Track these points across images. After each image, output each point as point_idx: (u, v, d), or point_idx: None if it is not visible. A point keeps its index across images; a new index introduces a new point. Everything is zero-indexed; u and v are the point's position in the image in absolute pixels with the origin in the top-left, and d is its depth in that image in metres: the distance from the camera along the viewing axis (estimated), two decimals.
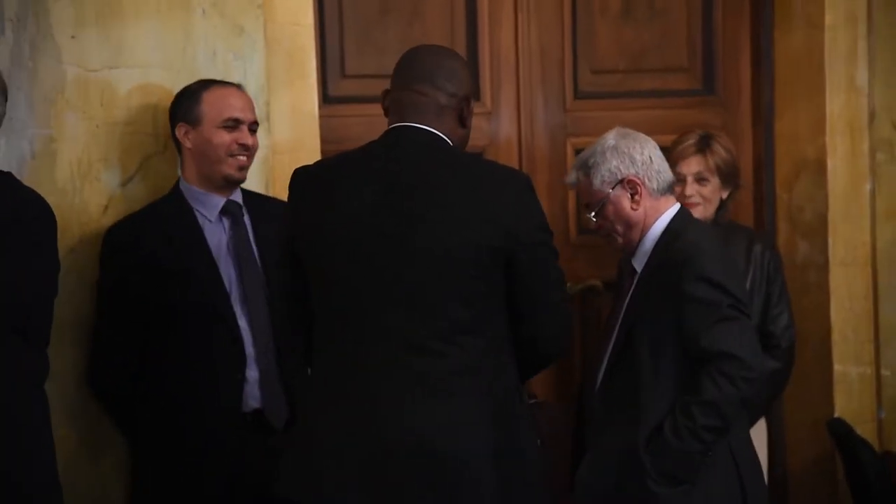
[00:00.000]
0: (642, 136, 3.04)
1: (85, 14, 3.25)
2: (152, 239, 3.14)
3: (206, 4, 3.39)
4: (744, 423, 2.95)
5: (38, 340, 2.81)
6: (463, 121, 2.67)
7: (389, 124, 2.67)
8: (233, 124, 3.19)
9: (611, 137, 3.01)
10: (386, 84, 3.94)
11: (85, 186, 3.24)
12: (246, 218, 3.26)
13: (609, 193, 2.96)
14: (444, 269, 2.51)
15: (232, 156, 3.19)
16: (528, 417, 2.67)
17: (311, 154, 3.48)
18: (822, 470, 4.16)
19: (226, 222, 3.23)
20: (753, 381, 2.76)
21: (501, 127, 4.06)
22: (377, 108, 3.92)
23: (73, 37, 3.23)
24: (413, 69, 2.66)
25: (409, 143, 2.62)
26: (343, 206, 2.56)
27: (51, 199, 2.89)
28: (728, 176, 3.62)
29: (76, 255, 3.20)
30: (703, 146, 3.58)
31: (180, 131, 3.21)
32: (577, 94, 4.13)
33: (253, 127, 3.24)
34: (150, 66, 3.33)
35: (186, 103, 3.21)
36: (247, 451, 3.14)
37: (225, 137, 3.18)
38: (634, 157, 2.96)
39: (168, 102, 3.32)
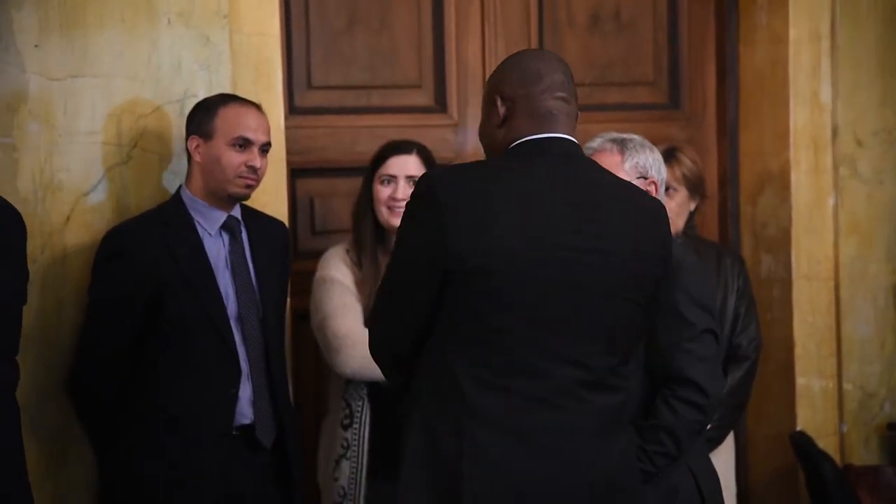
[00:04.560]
0: None
1: (48, 23, 3.23)
2: (153, 247, 3.11)
3: (171, 14, 3.37)
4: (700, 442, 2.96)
5: (7, 350, 2.77)
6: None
7: (517, 134, 2.45)
8: (243, 143, 3.16)
9: (641, 138, 3.02)
10: (351, 95, 4.02)
11: (47, 196, 3.21)
12: (243, 234, 3.24)
13: (632, 180, 2.95)
14: (621, 303, 2.40)
15: (240, 177, 3.16)
16: None
17: (276, 165, 3.46)
18: (783, 483, 4.18)
19: (225, 237, 3.21)
20: (711, 408, 2.77)
21: (469, 139, 4.05)
22: (343, 119, 4.00)
23: (36, 45, 3.21)
24: (552, 76, 2.46)
25: (572, 159, 2.45)
26: (521, 229, 2.34)
27: None
28: (695, 186, 3.65)
29: (38, 265, 3.17)
30: (669, 157, 3.59)
31: (192, 144, 3.18)
32: None
33: (265, 147, 3.21)
34: (114, 76, 3.31)
35: (202, 116, 3.19)
36: (234, 468, 3.12)
37: (234, 158, 3.15)
38: (661, 167, 2.99)
39: (132, 112, 3.31)
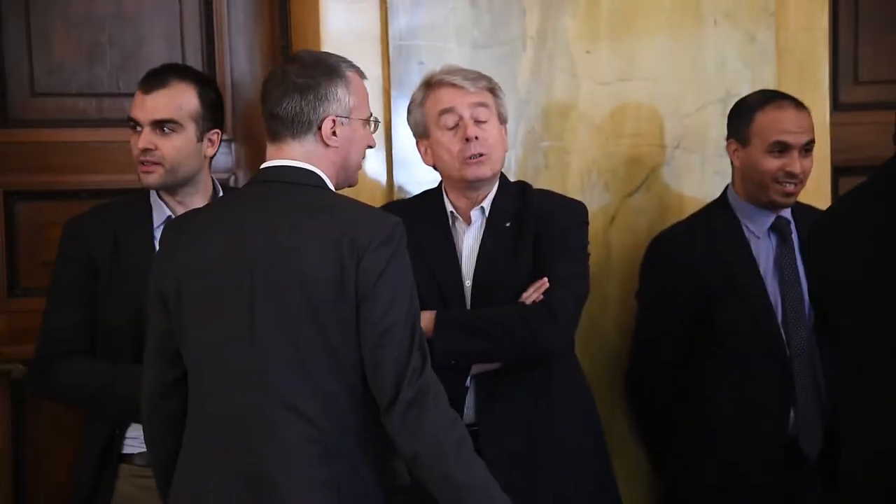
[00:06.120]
0: None
1: (598, 30, 3.36)
2: (699, 252, 3.10)
3: (718, 14, 3.40)
4: None
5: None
6: None
7: None
8: (781, 148, 3.06)
9: None
10: None
11: (593, 197, 3.34)
12: (794, 235, 3.13)
13: None
14: None
15: (777, 182, 3.07)
16: None
17: (820, 163, 3.33)
18: None
19: (774, 239, 3.13)
20: None
21: None
22: (889, 116, 3.79)
23: (587, 52, 3.36)
24: None
25: None
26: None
27: None
28: None
29: None
30: None
31: (730, 148, 3.14)
32: None
33: (807, 147, 3.07)
34: (659, 78, 3.39)
35: (738, 121, 3.13)
36: (783, 479, 3.04)
37: (770, 164, 3.06)
38: None
39: (675, 113, 3.38)
